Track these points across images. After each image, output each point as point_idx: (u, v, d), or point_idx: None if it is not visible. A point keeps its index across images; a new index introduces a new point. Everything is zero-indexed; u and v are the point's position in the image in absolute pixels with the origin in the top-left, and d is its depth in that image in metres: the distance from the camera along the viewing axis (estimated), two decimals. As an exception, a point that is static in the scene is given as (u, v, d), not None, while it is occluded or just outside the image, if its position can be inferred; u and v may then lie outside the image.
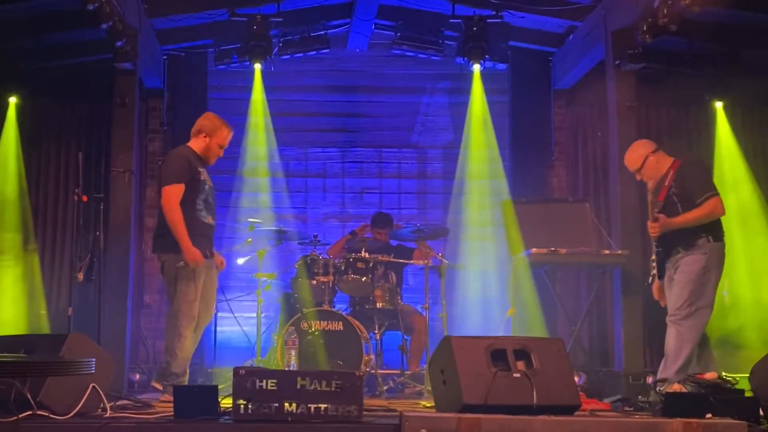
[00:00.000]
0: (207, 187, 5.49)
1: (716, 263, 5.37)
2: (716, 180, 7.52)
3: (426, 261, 6.89)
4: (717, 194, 5.39)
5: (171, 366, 5.31)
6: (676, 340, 5.32)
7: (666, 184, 5.49)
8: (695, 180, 5.44)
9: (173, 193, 5.31)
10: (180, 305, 5.32)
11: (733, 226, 7.47)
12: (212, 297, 5.65)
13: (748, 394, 4.66)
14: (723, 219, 5.48)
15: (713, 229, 5.38)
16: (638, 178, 5.74)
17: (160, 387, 5.34)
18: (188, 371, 5.45)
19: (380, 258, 6.94)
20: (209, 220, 5.52)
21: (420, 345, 7.07)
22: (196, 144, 5.54)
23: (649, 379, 5.98)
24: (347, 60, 8.70)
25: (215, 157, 5.60)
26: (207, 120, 5.60)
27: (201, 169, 5.46)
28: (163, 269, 5.45)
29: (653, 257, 5.59)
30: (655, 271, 5.57)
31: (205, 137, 5.53)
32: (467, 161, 8.32)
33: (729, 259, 7.10)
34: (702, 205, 5.33)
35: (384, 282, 6.93)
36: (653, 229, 5.41)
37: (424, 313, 6.92)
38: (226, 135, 5.58)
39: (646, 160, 5.62)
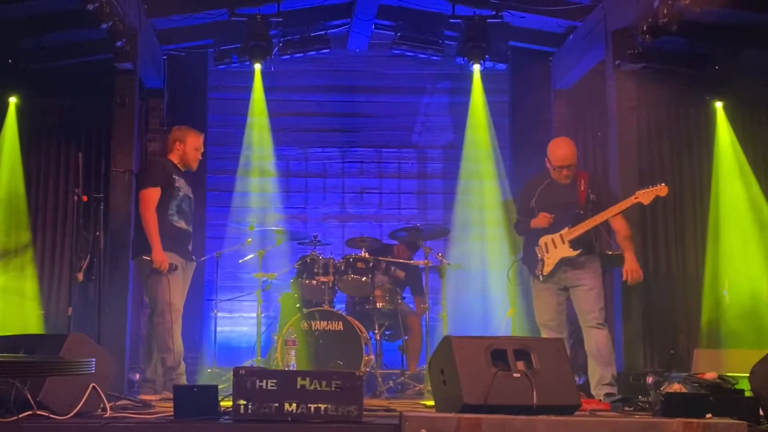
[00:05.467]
0: (182, 194, 5.73)
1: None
2: (715, 180, 7.61)
3: (426, 261, 6.89)
4: None
5: (167, 361, 5.49)
6: (608, 342, 5.57)
7: (582, 189, 5.66)
8: (607, 192, 5.82)
9: (149, 197, 5.59)
10: (165, 302, 5.51)
11: (733, 225, 7.47)
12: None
13: (748, 394, 4.66)
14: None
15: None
16: (564, 173, 5.70)
17: (151, 396, 5.42)
18: (182, 363, 5.62)
19: (380, 258, 6.95)
20: (182, 225, 5.74)
21: (416, 345, 7.07)
22: (172, 156, 5.84)
23: (649, 379, 5.98)
24: (347, 60, 8.70)
25: (195, 160, 5.92)
26: (176, 131, 5.93)
27: (176, 177, 5.72)
28: (142, 272, 5.64)
29: (544, 254, 5.68)
30: (545, 269, 5.66)
31: (179, 145, 5.83)
32: (467, 161, 8.33)
33: (729, 258, 7.14)
34: (623, 220, 5.67)
35: (385, 282, 6.94)
36: (547, 220, 5.61)
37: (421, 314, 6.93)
38: (195, 137, 5.91)
39: (577, 159, 5.81)
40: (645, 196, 5.51)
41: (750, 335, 6.98)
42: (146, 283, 5.63)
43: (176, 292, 5.58)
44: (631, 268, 5.63)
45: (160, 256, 5.49)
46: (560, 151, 5.72)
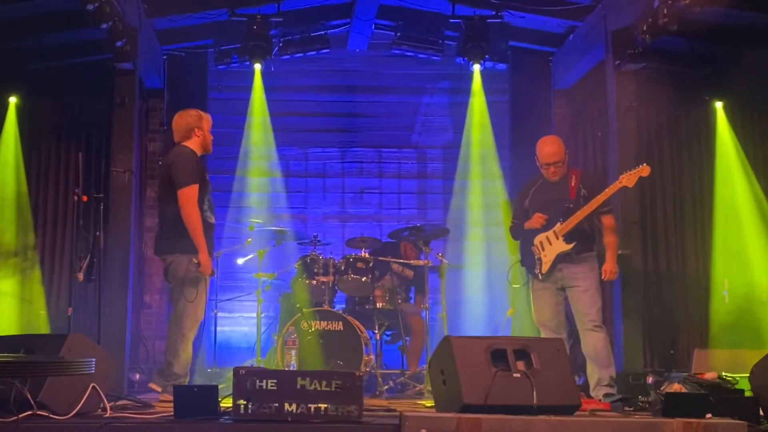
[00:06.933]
0: (209, 186, 5.53)
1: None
2: (716, 180, 7.61)
3: (426, 261, 6.89)
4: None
5: (173, 366, 5.30)
6: (606, 344, 5.59)
7: (573, 185, 5.70)
8: (599, 186, 5.77)
9: (191, 195, 5.25)
10: (186, 307, 5.29)
11: (733, 225, 7.47)
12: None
13: (748, 394, 4.66)
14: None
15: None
16: (551, 170, 5.74)
17: (158, 388, 5.33)
18: (189, 373, 5.46)
19: (380, 258, 6.95)
20: (213, 220, 5.54)
21: (418, 346, 7.07)
22: (192, 143, 5.49)
23: (649, 379, 6.00)
24: (347, 60, 8.70)
25: (211, 142, 5.63)
26: (187, 117, 5.54)
27: (205, 169, 5.50)
28: (167, 271, 5.38)
29: (541, 252, 5.71)
30: (543, 267, 5.69)
31: (198, 131, 5.50)
32: (467, 161, 8.33)
33: (729, 259, 7.14)
34: (612, 218, 5.77)
35: (391, 281, 6.95)
36: (541, 220, 5.65)
37: (423, 314, 6.92)
38: (208, 119, 5.60)
39: (566, 155, 5.81)
40: (629, 178, 5.58)
41: (750, 335, 6.98)
42: (178, 282, 5.31)
43: (201, 300, 5.34)
44: (610, 269, 5.68)
45: (207, 260, 5.21)
46: (546, 148, 5.78)
